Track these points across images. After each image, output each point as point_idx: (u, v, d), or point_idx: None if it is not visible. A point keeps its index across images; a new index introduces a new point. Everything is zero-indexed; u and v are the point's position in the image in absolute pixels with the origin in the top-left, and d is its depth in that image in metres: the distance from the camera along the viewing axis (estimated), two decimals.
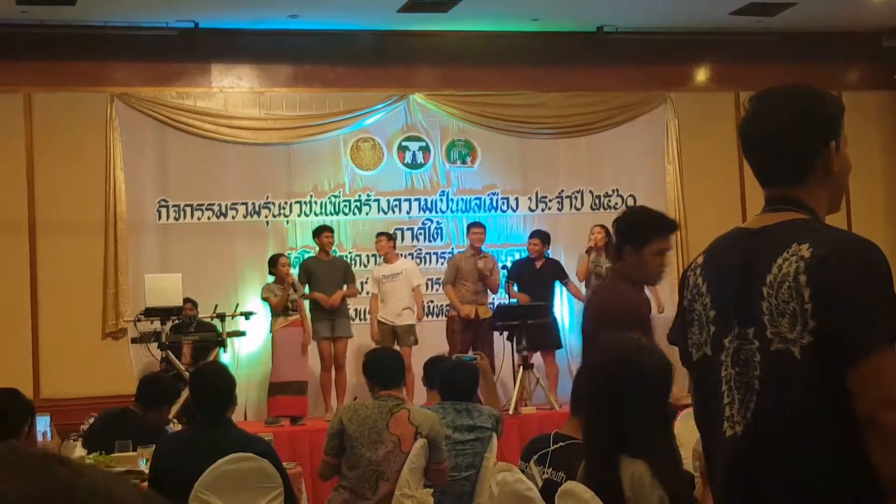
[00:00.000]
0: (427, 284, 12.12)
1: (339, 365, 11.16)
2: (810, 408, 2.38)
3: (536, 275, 11.75)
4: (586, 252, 11.75)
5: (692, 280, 2.66)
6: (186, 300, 10.82)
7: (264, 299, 11.01)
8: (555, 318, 11.69)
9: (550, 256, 12.04)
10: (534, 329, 11.01)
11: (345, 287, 11.29)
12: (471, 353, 8.82)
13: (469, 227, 11.97)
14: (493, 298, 12.03)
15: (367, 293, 11.90)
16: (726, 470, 2.54)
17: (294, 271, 11.34)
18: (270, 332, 11.03)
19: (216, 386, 5.37)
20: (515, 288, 11.77)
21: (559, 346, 11.71)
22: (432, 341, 11.46)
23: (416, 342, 11.30)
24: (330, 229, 11.56)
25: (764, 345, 2.45)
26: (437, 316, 12.23)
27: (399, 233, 12.44)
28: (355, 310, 11.94)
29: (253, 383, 11.65)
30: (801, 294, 2.39)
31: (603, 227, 11.62)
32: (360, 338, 11.35)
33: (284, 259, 11.19)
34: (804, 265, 2.39)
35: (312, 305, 11.17)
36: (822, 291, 2.37)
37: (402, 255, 11.95)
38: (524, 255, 12.29)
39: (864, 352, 2.32)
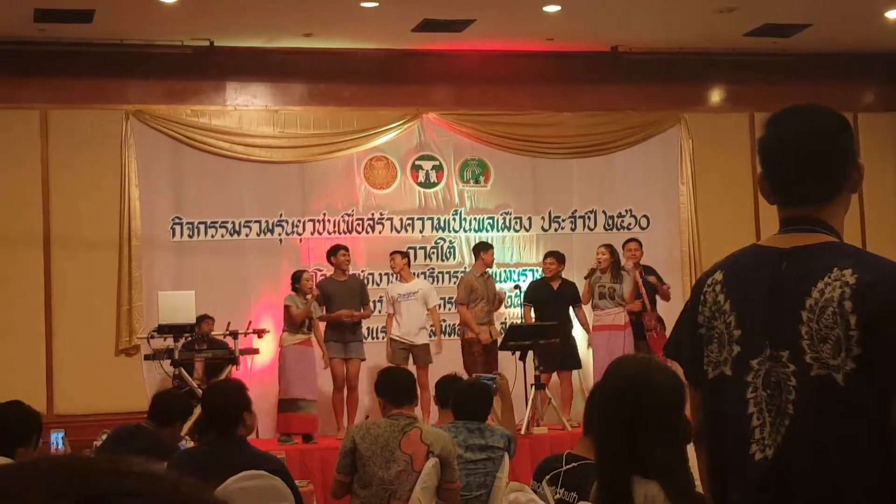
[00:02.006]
0: (440, 304, 12.08)
1: (351, 386, 11.14)
2: (851, 434, 2.36)
3: (554, 296, 11.69)
4: (586, 277, 11.70)
5: (711, 297, 2.61)
6: (205, 316, 10.88)
7: (286, 307, 10.98)
8: (573, 339, 11.66)
9: (564, 278, 12.00)
10: (551, 349, 10.99)
11: (361, 308, 11.30)
12: (492, 373, 8.80)
13: (485, 247, 11.86)
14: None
15: (381, 312, 11.92)
16: (755, 492, 2.51)
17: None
18: (280, 346, 11.02)
19: (228, 404, 5.37)
20: (532, 312, 11.75)
21: (578, 366, 11.68)
22: (446, 360, 11.44)
23: (430, 361, 11.29)
24: (345, 248, 11.55)
25: (802, 369, 2.42)
26: (450, 335, 12.19)
27: (412, 252, 12.44)
28: (368, 328, 11.94)
29: (265, 401, 11.63)
30: (847, 320, 2.36)
31: (608, 247, 11.62)
32: (373, 357, 11.33)
33: (308, 275, 11.22)
34: (849, 291, 2.37)
35: (328, 326, 11.17)
36: (869, 319, 2.35)
37: (416, 273, 11.93)
38: (535, 275, 12.28)
39: None
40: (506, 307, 12.50)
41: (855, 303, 2.36)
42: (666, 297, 11.73)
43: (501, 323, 12.45)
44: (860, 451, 2.35)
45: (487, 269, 11.81)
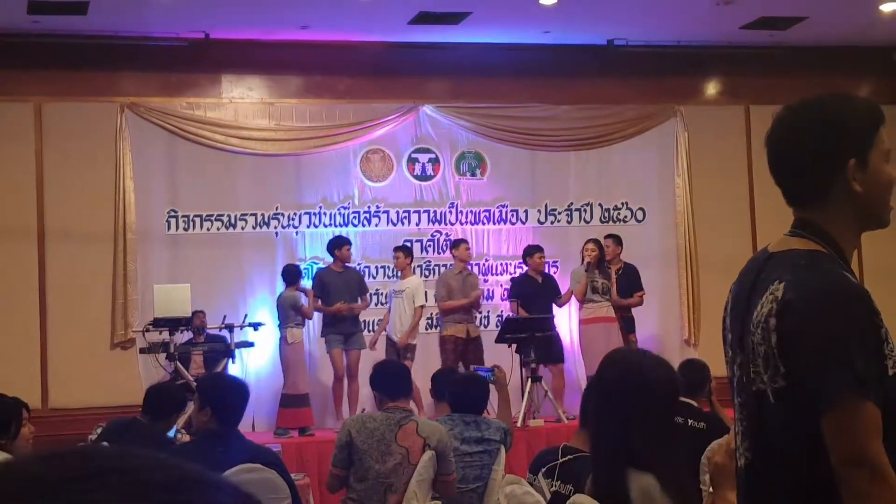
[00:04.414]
0: (436, 297, 12.02)
1: (351, 375, 11.13)
2: (789, 451, 2.34)
3: (540, 290, 11.73)
4: (584, 268, 11.73)
5: (727, 300, 2.61)
6: (197, 311, 10.87)
7: (297, 306, 10.93)
8: (557, 332, 11.63)
9: (545, 272, 12.06)
10: (539, 342, 11.00)
11: (359, 300, 11.29)
12: (489, 366, 8.81)
13: (456, 244, 11.89)
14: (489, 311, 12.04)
15: (378, 304, 11.95)
16: (741, 500, 2.52)
17: (306, 282, 11.38)
18: (288, 343, 10.95)
19: (236, 397, 5.35)
20: (520, 308, 11.78)
21: (561, 359, 11.63)
22: (434, 354, 11.47)
23: (412, 359, 11.21)
24: (350, 242, 11.56)
25: (749, 382, 2.41)
26: (436, 328, 12.15)
27: (408, 245, 12.44)
28: (364, 321, 11.97)
29: (261, 394, 11.63)
30: (770, 338, 2.32)
31: (596, 241, 11.65)
32: (371, 350, 11.31)
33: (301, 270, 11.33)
34: (776, 307, 2.32)
35: (325, 317, 11.16)
36: (786, 338, 2.30)
37: (413, 268, 11.92)
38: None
39: (827, 405, 2.24)
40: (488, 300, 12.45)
41: (777, 320, 2.31)
42: (635, 304, 11.81)
43: (497, 315, 12.45)
44: (799, 468, 2.32)
45: (467, 265, 11.81)
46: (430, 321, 12.16)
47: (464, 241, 11.99)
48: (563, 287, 12.16)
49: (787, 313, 2.29)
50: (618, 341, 10.99)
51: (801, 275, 2.34)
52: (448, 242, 12.59)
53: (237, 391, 5.43)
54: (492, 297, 12.60)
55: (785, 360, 2.30)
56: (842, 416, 2.22)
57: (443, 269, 12.49)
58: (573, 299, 11.92)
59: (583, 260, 11.70)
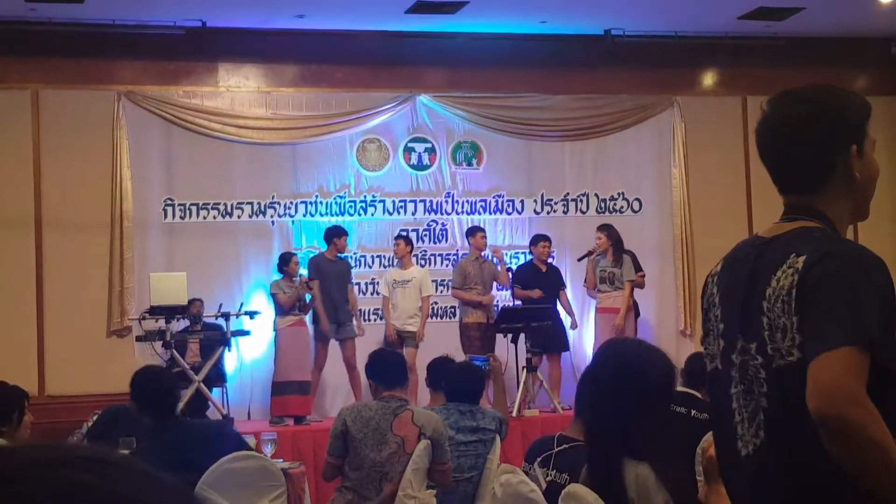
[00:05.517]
0: (452, 284, 12.00)
1: (350, 365, 11.15)
2: (810, 426, 2.27)
3: (544, 280, 11.76)
4: (580, 259, 11.77)
5: (709, 288, 2.60)
6: (194, 299, 10.87)
7: (272, 294, 10.99)
8: (561, 321, 11.68)
9: (550, 262, 12.11)
10: (540, 331, 11.01)
11: (347, 288, 11.31)
12: (484, 355, 8.82)
13: (475, 231, 11.92)
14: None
15: (375, 294, 11.96)
16: (742, 489, 2.50)
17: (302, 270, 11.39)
18: (275, 329, 11.01)
19: (163, 387, 5.47)
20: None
21: (566, 348, 11.72)
22: (437, 343, 11.45)
23: (416, 346, 11.28)
24: (347, 232, 11.58)
25: (767, 361, 2.37)
26: (442, 318, 12.21)
27: (407, 233, 12.44)
28: (361, 310, 11.97)
29: (258, 383, 11.65)
30: (792, 307, 2.31)
31: (605, 229, 11.62)
32: (367, 339, 11.29)
33: (296, 258, 11.24)
34: (797, 278, 2.31)
35: (322, 306, 11.16)
36: (801, 299, 2.29)
37: (414, 258, 11.93)
38: (528, 258, 12.28)
39: (819, 349, 2.22)
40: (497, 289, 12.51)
41: (799, 288, 2.30)
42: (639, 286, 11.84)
43: (494, 305, 12.46)
44: (820, 444, 2.26)
45: (483, 253, 11.84)
46: (432, 308, 12.10)
47: (480, 229, 11.98)
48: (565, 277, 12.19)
49: (811, 273, 2.29)
50: (622, 331, 10.97)
51: (824, 242, 2.36)
52: (444, 232, 12.61)
53: (163, 381, 5.57)
54: None
55: (802, 328, 2.28)
56: (831, 358, 2.19)
57: (438, 259, 12.51)
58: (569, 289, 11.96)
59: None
